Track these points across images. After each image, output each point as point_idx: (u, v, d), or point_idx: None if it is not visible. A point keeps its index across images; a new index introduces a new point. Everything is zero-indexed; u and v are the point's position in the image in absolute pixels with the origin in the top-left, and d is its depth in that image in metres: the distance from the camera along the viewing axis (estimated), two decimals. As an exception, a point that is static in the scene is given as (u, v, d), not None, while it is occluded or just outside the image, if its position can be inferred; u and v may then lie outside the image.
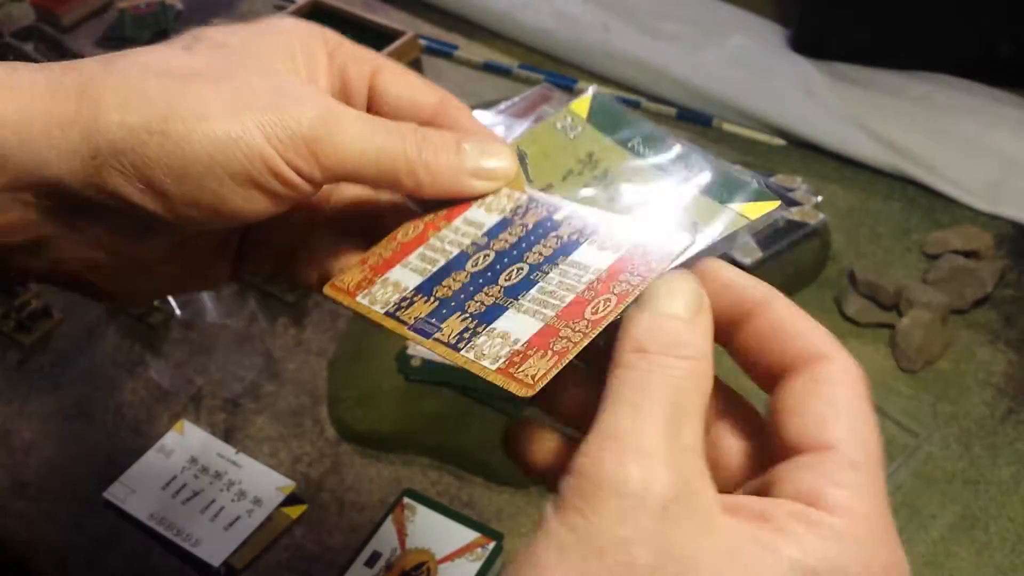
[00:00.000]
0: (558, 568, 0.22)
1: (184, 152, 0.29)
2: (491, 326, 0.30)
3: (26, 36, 0.98)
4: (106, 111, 0.29)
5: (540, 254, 0.32)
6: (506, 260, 0.32)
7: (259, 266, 0.38)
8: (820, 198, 0.75)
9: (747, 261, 0.70)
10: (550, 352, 0.28)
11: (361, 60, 0.35)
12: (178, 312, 0.74)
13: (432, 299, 0.32)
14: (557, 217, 0.33)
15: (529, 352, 0.28)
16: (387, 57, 0.36)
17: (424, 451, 0.64)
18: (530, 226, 0.33)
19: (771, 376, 0.28)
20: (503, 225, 0.33)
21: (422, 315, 0.32)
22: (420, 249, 0.34)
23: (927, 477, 0.60)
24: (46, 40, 0.97)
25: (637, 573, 0.22)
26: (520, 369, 0.28)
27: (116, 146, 0.29)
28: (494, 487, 0.62)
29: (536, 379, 0.27)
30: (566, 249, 0.31)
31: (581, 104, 0.38)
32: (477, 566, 0.54)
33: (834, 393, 0.26)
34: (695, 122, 0.86)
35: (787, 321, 0.28)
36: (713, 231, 0.31)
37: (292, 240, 0.37)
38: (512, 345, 0.29)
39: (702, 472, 0.25)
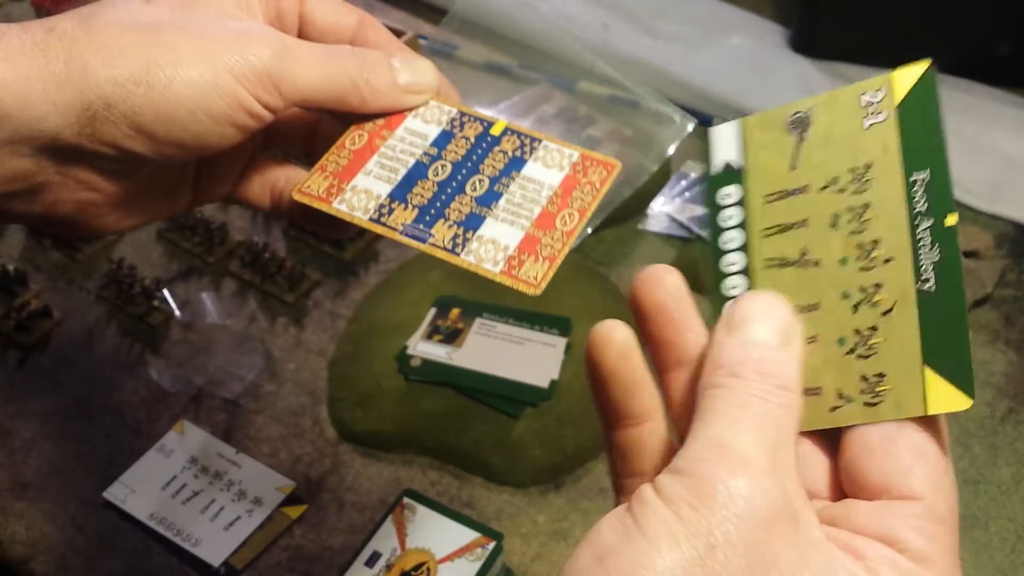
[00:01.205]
0: (672, 552, 0.23)
1: (167, 98, 0.33)
2: (478, 232, 0.35)
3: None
4: (94, 69, 0.32)
5: (494, 167, 0.37)
6: (465, 171, 0.37)
7: (215, 191, 0.41)
8: (820, 198, 0.75)
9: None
10: (541, 258, 0.34)
11: None
12: (178, 312, 0.74)
13: (410, 206, 0.36)
14: (493, 132, 0.38)
15: (522, 257, 0.34)
16: None
17: (424, 451, 0.64)
18: (472, 140, 0.38)
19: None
20: (446, 137, 0.38)
21: (408, 221, 0.36)
22: (375, 158, 0.38)
23: (927, 477, 0.60)
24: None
25: (741, 573, 0.23)
26: (521, 272, 0.33)
27: (107, 99, 0.33)
28: (494, 487, 0.62)
29: (539, 280, 0.33)
30: (516, 164, 0.37)
31: (904, 77, 0.29)
32: (477, 566, 0.54)
33: (918, 438, 0.26)
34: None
35: None
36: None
37: (242, 162, 0.41)
38: (504, 251, 0.34)
39: (803, 495, 0.26)
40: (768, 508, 0.24)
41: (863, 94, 0.30)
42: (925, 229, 0.27)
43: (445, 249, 0.34)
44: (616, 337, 0.30)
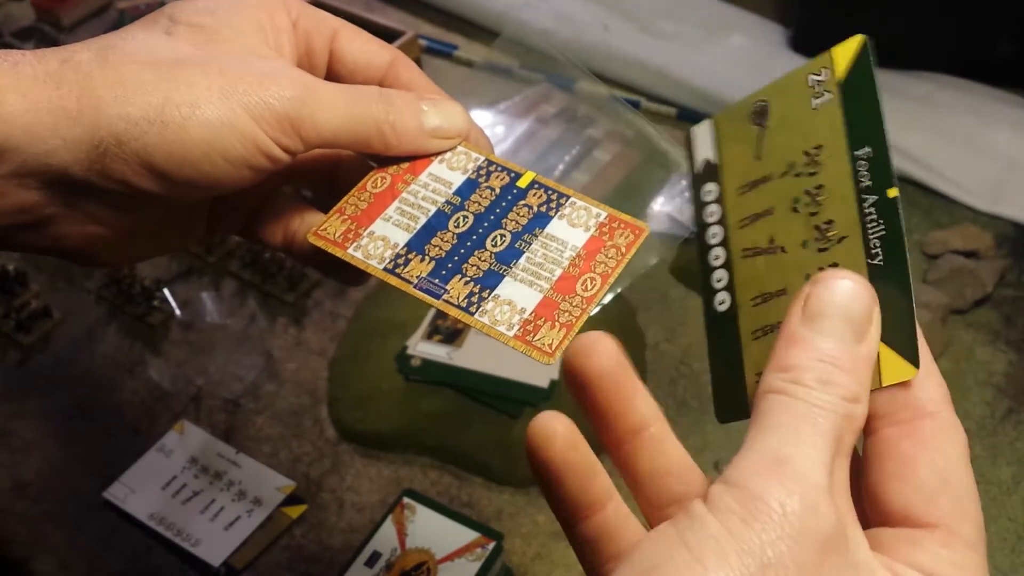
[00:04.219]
0: (720, 570, 0.22)
1: (182, 139, 0.32)
2: (494, 292, 0.33)
3: (26, 36, 0.98)
4: (107, 106, 0.31)
5: (517, 222, 0.35)
6: (486, 224, 0.35)
7: (229, 226, 0.40)
8: (820, 198, 0.75)
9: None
10: (557, 324, 0.32)
11: (322, 25, 0.38)
12: (178, 312, 0.74)
13: (427, 258, 0.35)
14: (520, 184, 0.36)
15: (538, 322, 0.32)
16: (343, 20, 0.39)
17: (424, 451, 0.64)
18: (497, 191, 0.36)
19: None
20: (471, 186, 0.37)
21: (423, 274, 0.34)
22: (396, 203, 0.36)
23: (927, 477, 0.60)
24: (46, 40, 0.97)
25: None
26: (536, 338, 0.32)
27: (119, 137, 0.31)
28: (494, 487, 0.62)
29: (553, 348, 0.31)
30: (540, 221, 0.35)
31: (844, 52, 0.30)
32: (477, 566, 0.54)
33: (941, 461, 0.25)
34: (695, 122, 0.86)
35: None
36: None
37: (258, 199, 0.40)
38: (520, 314, 0.33)
39: (853, 513, 0.25)
40: (822, 530, 0.23)
41: (811, 74, 0.30)
42: (871, 205, 0.28)
43: (459, 307, 0.33)
44: (558, 429, 0.29)
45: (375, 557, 0.56)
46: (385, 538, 0.56)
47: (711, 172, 0.31)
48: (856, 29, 0.29)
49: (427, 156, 0.38)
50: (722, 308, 0.30)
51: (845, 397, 0.25)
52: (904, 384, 0.26)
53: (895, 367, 0.26)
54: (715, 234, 0.31)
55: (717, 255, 0.31)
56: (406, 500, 0.58)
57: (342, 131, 0.35)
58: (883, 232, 0.27)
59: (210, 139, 0.32)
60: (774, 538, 0.22)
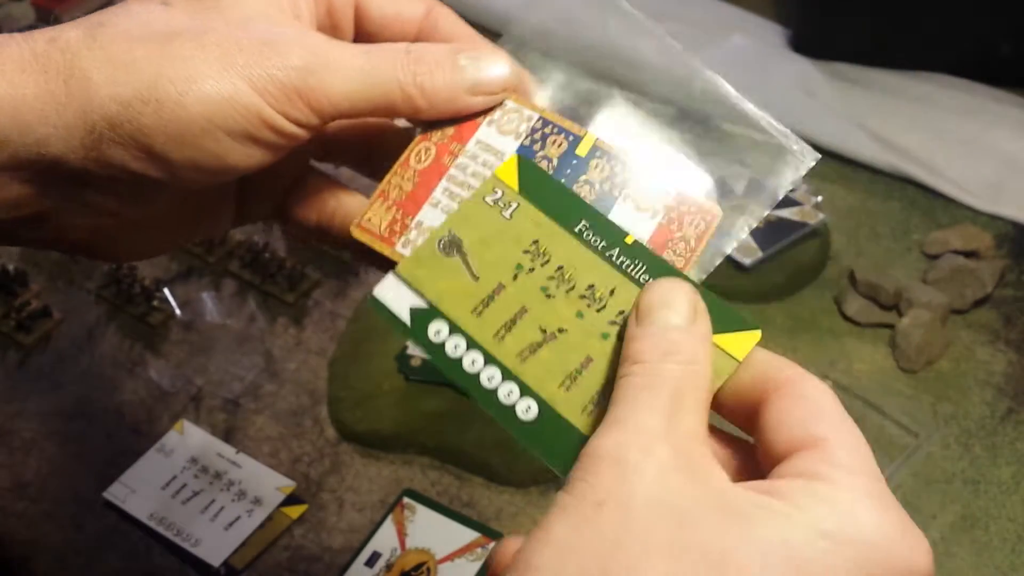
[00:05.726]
0: (559, 524, 0.24)
1: (179, 116, 0.29)
2: None
3: (26, 36, 0.98)
4: (96, 88, 0.29)
5: None
6: None
7: (259, 210, 0.38)
8: (820, 198, 0.75)
9: (747, 261, 0.70)
10: None
11: None
12: (178, 312, 0.74)
13: None
14: (580, 152, 0.32)
15: None
16: None
17: (424, 451, 0.64)
18: (555, 162, 0.32)
19: (747, 413, 0.28)
20: (525, 156, 0.33)
21: None
22: (443, 183, 0.33)
23: (927, 477, 0.60)
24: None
25: (633, 523, 0.23)
26: None
27: (112, 120, 0.29)
28: (494, 487, 0.62)
29: None
30: (603, 203, 0.32)
31: (507, 170, 0.31)
32: (477, 566, 0.54)
33: (815, 401, 0.27)
34: (696, 121, 0.86)
35: (754, 358, 0.28)
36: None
37: (288, 180, 0.37)
38: None
39: (705, 454, 0.26)
40: (658, 466, 0.24)
41: (485, 197, 0.32)
42: (618, 255, 0.30)
43: None
44: None
45: (375, 557, 0.56)
46: (385, 538, 0.56)
47: (428, 314, 0.31)
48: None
49: (473, 117, 0.33)
50: (530, 415, 0.29)
51: (681, 361, 0.26)
52: (763, 368, 0.28)
53: (739, 342, 0.28)
54: (473, 360, 0.30)
55: (490, 376, 0.30)
56: (406, 500, 0.58)
57: (359, 99, 0.31)
58: (644, 267, 0.30)
59: (210, 115, 0.30)
60: (611, 484, 0.24)
